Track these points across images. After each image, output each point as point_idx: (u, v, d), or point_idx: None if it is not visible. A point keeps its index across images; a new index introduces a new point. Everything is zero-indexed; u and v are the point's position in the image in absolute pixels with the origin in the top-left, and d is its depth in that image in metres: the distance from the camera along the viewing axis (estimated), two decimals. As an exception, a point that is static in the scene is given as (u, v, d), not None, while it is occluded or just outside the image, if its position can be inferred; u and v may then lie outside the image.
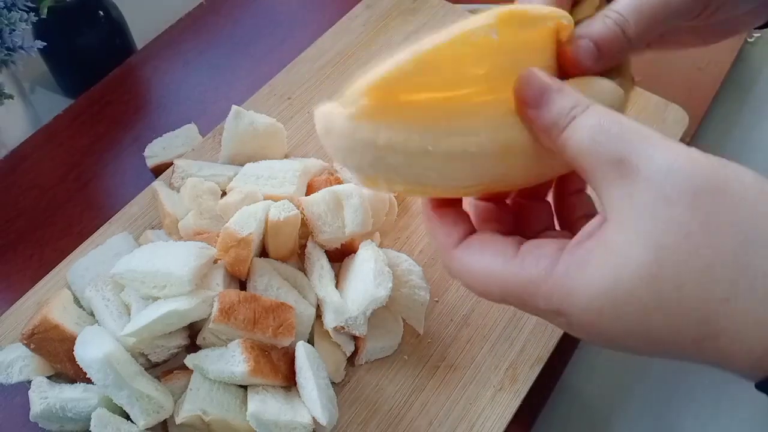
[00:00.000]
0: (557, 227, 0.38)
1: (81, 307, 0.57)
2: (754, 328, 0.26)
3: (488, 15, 0.32)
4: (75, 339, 0.51)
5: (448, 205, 0.35)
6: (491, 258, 0.32)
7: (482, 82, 0.32)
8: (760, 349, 0.27)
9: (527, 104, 0.32)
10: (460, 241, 0.34)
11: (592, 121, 0.30)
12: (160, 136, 0.72)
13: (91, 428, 0.49)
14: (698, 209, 0.27)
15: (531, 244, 0.32)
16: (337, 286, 0.57)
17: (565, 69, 0.35)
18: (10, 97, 0.67)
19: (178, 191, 0.62)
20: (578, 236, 0.30)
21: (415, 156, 0.31)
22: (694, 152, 0.28)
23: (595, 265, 0.28)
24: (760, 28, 0.42)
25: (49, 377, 0.53)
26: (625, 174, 0.28)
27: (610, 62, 0.35)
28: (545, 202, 0.38)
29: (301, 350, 0.52)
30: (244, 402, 0.52)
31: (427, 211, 0.35)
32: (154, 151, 0.71)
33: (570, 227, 0.37)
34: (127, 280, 0.53)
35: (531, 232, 0.37)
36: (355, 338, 0.57)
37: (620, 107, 0.36)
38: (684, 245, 0.27)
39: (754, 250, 0.26)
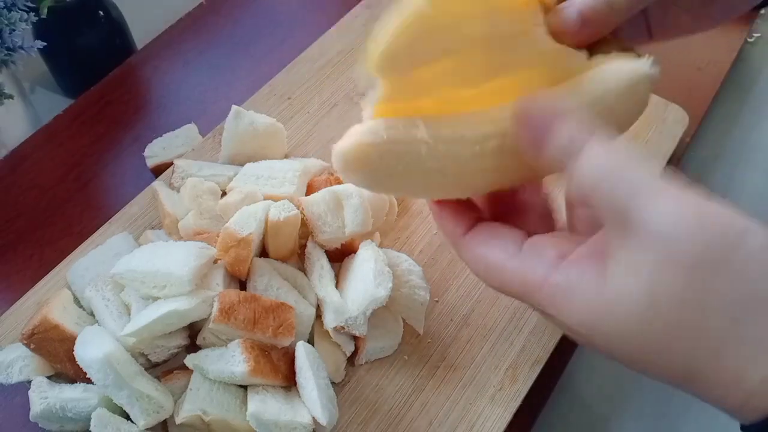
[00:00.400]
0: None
1: (81, 307, 0.57)
2: (733, 384, 0.27)
3: None
4: (75, 339, 0.51)
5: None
6: (495, 252, 0.33)
7: (480, 49, 0.32)
8: (735, 402, 0.28)
9: (526, 145, 0.32)
10: (468, 230, 0.35)
11: (594, 159, 0.29)
12: (160, 136, 0.72)
13: (91, 428, 0.49)
14: (696, 277, 0.27)
15: (533, 244, 0.33)
16: (337, 286, 0.57)
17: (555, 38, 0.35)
18: (10, 97, 0.67)
19: (178, 191, 0.62)
20: (576, 254, 0.31)
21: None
22: (698, 212, 0.27)
23: (587, 295, 0.29)
24: (760, 7, 0.41)
25: (49, 377, 0.53)
26: (626, 228, 0.28)
27: (597, 30, 0.35)
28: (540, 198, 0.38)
29: (301, 350, 0.52)
30: (244, 402, 0.51)
31: (431, 205, 0.36)
32: (154, 151, 0.71)
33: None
34: (127, 280, 0.53)
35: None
36: (355, 338, 0.57)
37: (643, 85, 0.34)
38: (676, 307, 0.27)
39: (745, 317, 0.27)
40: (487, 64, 0.33)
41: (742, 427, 0.29)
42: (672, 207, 0.27)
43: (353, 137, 0.32)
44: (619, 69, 0.34)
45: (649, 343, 0.28)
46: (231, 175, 0.63)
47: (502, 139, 0.32)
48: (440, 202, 0.36)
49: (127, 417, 0.50)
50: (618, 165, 0.29)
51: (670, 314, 0.27)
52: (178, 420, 0.50)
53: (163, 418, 0.51)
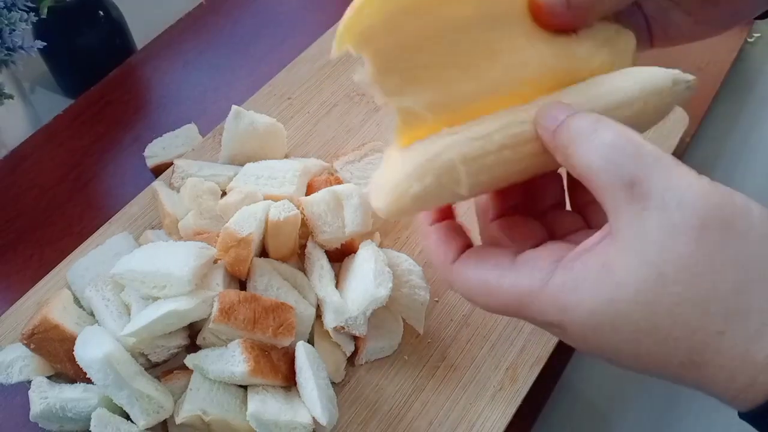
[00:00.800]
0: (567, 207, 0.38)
1: (81, 307, 0.57)
2: (742, 361, 0.27)
3: None
4: (75, 339, 0.51)
5: (443, 218, 0.36)
6: (487, 271, 0.33)
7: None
8: (744, 381, 0.27)
9: (545, 130, 0.32)
10: (457, 256, 0.34)
11: (607, 138, 0.29)
12: (160, 136, 0.72)
13: (91, 428, 0.49)
14: (703, 243, 0.27)
15: (527, 255, 0.32)
16: (337, 286, 0.57)
17: (540, 24, 0.34)
18: (10, 97, 0.67)
19: (178, 191, 0.62)
20: (577, 250, 0.31)
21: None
22: (705, 183, 0.28)
23: (593, 283, 0.29)
24: (761, 17, 0.41)
25: (49, 377, 0.53)
26: (636, 198, 0.28)
27: (582, 15, 0.34)
28: (557, 175, 0.38)
29: (301, 350, 0.52)
30: (244, 402, 0.52)
31: (424, 228, 0.36)
32: (154, 151, 0.71)
33: (580, 210, 0.37)
34: (127, 280, 0.53)
35: (540, 206, 0.37)
36: (355, 338, 0.57)
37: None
38: (684, 276, 0.27)
39: (751, 288, 0.27)
40: (475, 47, 0.33)
41: (744, 415, 0.28)
42: (680, 179, 0.28)
43: (385, 192, 0.32)
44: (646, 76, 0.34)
45: (655, 326, 0.28)
46: (231, 175, 0.63)
47: (513, 149, 0.32)
48: (432, 222, 0.36)
49: (127, 417, 0.50)
50: (629, 142, 0.29)
51: (677, 285, 0.27)
52: (178, 420, 0.50)
53: (163, 418, 0.51)
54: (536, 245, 0.34)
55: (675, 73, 0.35)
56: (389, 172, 0.33)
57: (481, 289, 0.33)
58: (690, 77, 0.35)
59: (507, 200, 0.37)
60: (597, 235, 0.30)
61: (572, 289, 0.29)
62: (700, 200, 0.27)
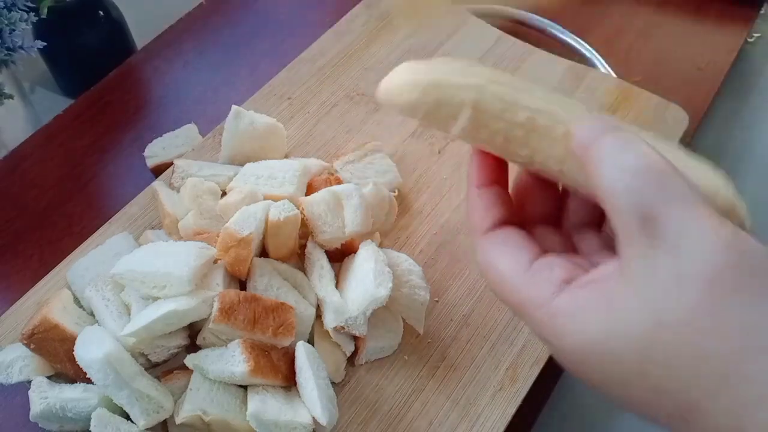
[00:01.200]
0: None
1: (81, 307, 0.57)
2: (731, 426, 0.26)
3: None
4: (75, 339, 0.51)
5: (493, 183, 0.35)
6: (505, 261, 0.32)
7: None
8: None
9: (579, 146, 0.31)
10: (491, 227, 0.34)
11: (630, 160, 0.28)
12: (160, 136, 0.72)
13: (91, 428, 0.49)
14: (709, 299, 0.26)
15: (545, 263, 0.32)
16: (337, 286, 0.57)
17: None
18: (10, 97, 0.67)
19: (178, 191, 0.62)
20: (588, 277, 0.30)
21: None
22: (725, 233, 0.26)
23: (591, 315, 0.28)
24: (760, 6, 0.40)
25: (49, 377, 0.53)
26: (650, 235, 0.27)
27: None
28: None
29: (301, 350, 0.52)
30: (244, 402, 0.52)
31: (470, 188, 0.35)
32: (154, 151, 0.71)
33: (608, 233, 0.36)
34: (127, 280, 0.53)
35: (569, 222, 0.36)
36: (355, 338, 0.57)
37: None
38: (684, 329, 0.26)
39: (753, 355, 0.25)
40: None
41: None
42: (701, 223, 0.26)
43: (393, 80, 0.33)
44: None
45: (646, 373, 0.27)
46: (231, 175, 0.63)
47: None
48: (480, 184, 0.35)
49: (127, 417, 0.50)
50: (658, 167, 0.27)
51: (675, 336, 0.26)
52: (178, 420, 0.50)
53: (163, 418, 0.51)
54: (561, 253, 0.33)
55: (736, 204, 0.32)
56: (418, 68, 0.33)
57: (494, 275, 0.33)
58: (747, 219, 0.32)
59: (541, 209, 0.36)
60: (610, 266, 0.29)
61: (571, 315, 0.29)
62: (714, 252, 0.26)
